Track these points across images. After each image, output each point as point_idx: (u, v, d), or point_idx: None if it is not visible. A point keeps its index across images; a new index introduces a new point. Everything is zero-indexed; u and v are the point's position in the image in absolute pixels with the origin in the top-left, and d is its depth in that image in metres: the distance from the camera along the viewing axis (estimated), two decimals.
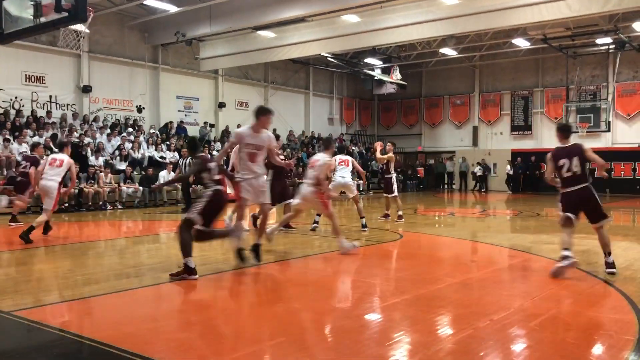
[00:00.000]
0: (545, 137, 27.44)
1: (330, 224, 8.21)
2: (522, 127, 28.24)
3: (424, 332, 4.36)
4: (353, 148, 28.80)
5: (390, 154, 12.57)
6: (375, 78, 27.25)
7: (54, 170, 9.32)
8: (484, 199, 22.79)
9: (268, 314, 5.00)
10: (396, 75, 26.27)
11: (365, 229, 10.54)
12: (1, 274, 6.56)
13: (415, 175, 29.74)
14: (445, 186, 29.68)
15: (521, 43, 23.99)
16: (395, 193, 12.56)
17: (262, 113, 7.36)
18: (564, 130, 7.06)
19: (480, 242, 9.81)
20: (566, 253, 6.47)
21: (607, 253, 6.66)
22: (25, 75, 18.53)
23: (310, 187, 8.28)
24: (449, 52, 25.49)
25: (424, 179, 29.73)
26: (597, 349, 4.06)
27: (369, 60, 25.68)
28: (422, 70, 30.54)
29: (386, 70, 26.93)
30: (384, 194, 13.01)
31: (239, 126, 24.69)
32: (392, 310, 5.08)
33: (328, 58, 25.39)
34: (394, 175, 12.86)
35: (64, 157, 9.52)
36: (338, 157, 11.22)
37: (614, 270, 6.55)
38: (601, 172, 7.22)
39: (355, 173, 11.82)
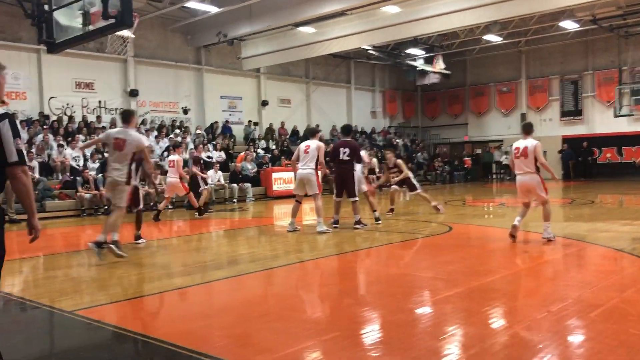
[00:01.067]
0: (597, 122, 26.55)
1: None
2: (572, 112, 27.35)
3: (479, 325, 4.28)
4: (397, 140, 28.56)
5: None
6: (418, 69, 26.94)
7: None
8: None
9: (321, 309, 5.01)
10: (439, 65, 25.89)
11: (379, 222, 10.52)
12: (60, 275, 6.80)
13: (462, 166, 29.23)
14: (494, 176, 29.02)
15: (569, 25, 23.18)
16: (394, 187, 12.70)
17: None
18: None
19: (533, 232, 9.54)
20: None
21: None
22: (76, 82, 19.16)
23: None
24: (493, 38, 24.91)
25: (472, 169, 29.18)
26: None
27: (411, 50, 25.37)
28: (466, 58, 29.95)
29: (429, 60, 26.56)
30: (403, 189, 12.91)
31: (282, 123, 24.93)
32: (445, 303, 5.00)
33: (369, 51, 25.24)
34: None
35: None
36: (304, 143, 10.33)
37: None
38: None
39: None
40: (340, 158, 10.04)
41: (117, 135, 7.48)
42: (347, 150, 10.03)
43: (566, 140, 26.99)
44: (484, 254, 7.87)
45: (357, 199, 10.15)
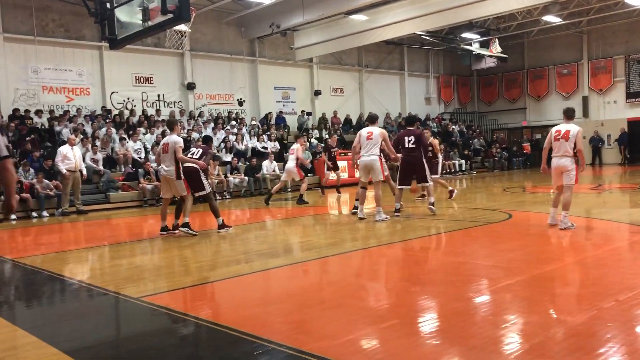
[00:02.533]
0: None
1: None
2: (638, 93, 26.05)
3: (542, 314, 4.18)
4: (453, 127, 28.04)
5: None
6: (474, 53, 26.30)
7: None
8: (598, 172, 21.36)
9: (378, 297, 5.02)
10: (496, 49, 25.19)
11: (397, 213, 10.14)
12: (125, 264, 7.08)
13: (522, 152, 28.40)
14: None
15: (635, 2, 21.97)
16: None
17: None
18: None
19: (597, 218, 9.22)
20: None
21: None
22: (135, 77, 19.77)
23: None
24: (552, 19, 23.98)
25: (531, 154, 28.29)
26: None
27: (466, 35, 24.77)
28: (524, 40, 28.97)
29: (485, 44, 25.88)
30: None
31: (335, 112, 24.92)
32: (506, 292, 4.91)
33: (422, 36, 24.83)
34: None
35: None
36: (365, 129, 10.17)
37: None
38: None
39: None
40: (406, 146, 10.04)
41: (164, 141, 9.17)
42: (412, 138, 10.03)
43: (632, 123, 25.76)
44: (545, 241, 7.66)
45: (429, 183, 10.30)
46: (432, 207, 10.16)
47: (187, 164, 9.26)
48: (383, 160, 10.11)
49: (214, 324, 4.25)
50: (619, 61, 26.57)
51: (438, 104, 30.48)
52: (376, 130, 9.73)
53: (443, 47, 27.38)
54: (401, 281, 5.55)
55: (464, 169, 24.85)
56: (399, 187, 10.21)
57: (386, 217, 9.62)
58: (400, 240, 8.05)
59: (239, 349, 3.72)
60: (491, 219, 9.56)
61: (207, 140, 10.41)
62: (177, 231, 9.25)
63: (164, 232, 9.26)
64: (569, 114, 8.28)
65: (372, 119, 10.21)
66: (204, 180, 9.29)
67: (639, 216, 9.03)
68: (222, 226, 9.36)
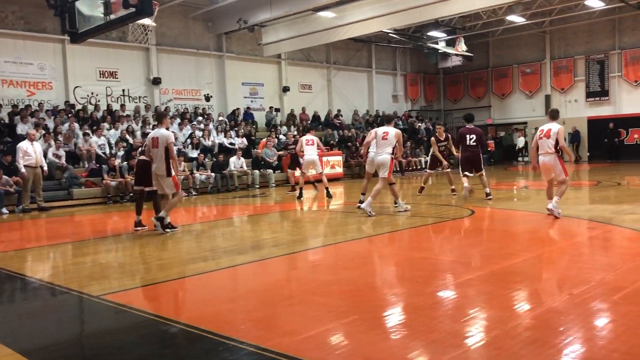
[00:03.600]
0: (624, 102, 25.98)
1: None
2: (598, 93, 26.80)
3: (500, 308, 4.28)
4: (419, 124, 28.35)
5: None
6: (440, 51, 26.62)
7: None
8: None
9: (340, 293, 5.05)
10: (461, 47, 25.55)
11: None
12: (88, 261, 6.97)
13: (486, 149, 28.86)
14: (519, 159, 28.61)
15: (595, 4, 22.63)
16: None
17: None
18: None
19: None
20: None
21: None
22: (99, 71, 19.41)
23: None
24: (516, 19, 24.47)
25: (495, 152, 28.82)
26: None
27: (433, 33, 25.07)
28: (489, 40, 29.50)
29: (451, 43, 26.23)
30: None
31: (303, 109, 24.93)
32: (467, 286, 5.00)
33: (390, 34, 25.02)
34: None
35: None
36: (381, 129, 10.43)
37: None
38: None
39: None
40: (468, 143, 11.60)
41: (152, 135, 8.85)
42: (473, 136, 11.55)
43: (591, 121, 26.49)
44: (506, 237, 7.83)
45: (483, 172, 11.84)
46: (488, 197, 11.51)
47: (141, 157, 9.15)
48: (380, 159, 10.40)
49: (175, 322, 4.22)
50: (579, 61, 27.27)
51: (405, 101, 30.78)
52: (392, 132, 10.03)
53: (410, 45, 27.65)
54: (364, 277, 5.60)
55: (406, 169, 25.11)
56: (464, 173, 11.85)
57: (371, 213, 9.71)
58: (365, 236, 8.12)
59: (200, 346, 3.71)
60: (454, 215, 9.72)
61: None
62: (169, 230, 9.08)
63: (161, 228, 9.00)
64: (552, 114, 8.96)
65: (388, 119, 10.66)
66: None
67: (597, 212, 9.30)
68: (163, 222, 9.09)
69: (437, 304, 4.56)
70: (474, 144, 11.55)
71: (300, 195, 14.05)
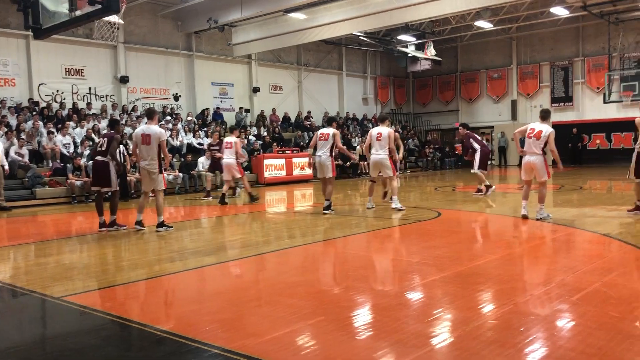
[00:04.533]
0: (587, 108, 26.64)
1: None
2: (562, 98, 27.42)
3: (463, 309, 4.35)
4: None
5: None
6: (409, 55, 26.87)
7: None
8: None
9: (306, 294, 5.07)
10: (430, 51, 25.85)
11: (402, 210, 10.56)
12: (51, 262, 6.82)
13: (453, 152, 29.30)
14: (490, 162, 29.00)
15: (559, 12, 23.15)
16: None
17: None
18: None
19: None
20: None
21: None
22: (65, 68, 19.01)
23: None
24: (484, 24, 24.88)
25: (462, 155, 29.17)
26: None
27: (402, 37, 25.29)
28: (457, 44, 29.92)
29: (420, 47, 26.51)
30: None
31: (274, 110, 24.87)
32: (431, 287, 5.07)
33: (360, 37, 25.15)
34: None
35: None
36: (375, 129, 10.87)
37: None
38: None
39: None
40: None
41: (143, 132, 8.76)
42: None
43: (555, 126, 27.06)
44: (471, 239, 7.97)
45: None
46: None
47: (97, 158, 9.08)
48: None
49: (139, 324, 4.17)
50: (544, 67, 27.87)
51: (375, 104, 30.99)
52: (385, 132, 10.42)
53: (380, 48, 27.84)
54: (331, 278, 5.63)
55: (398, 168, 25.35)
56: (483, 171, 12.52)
57: (402, 207, 10.40)
58: (333, 238, 8.15)
59: (162, 348, 3.68)
60: (421, 217, 9.83)
61: (113, 124, 9.83)
62: (113, 228, 9.01)
63: (138, 226, 9.00)
64: (543, 115, 9.09)
65: (381, 119, 11.03)
66: (113, 176, 9.04)
67: (559, 215, 9.52)
68: (113, 223, 9.09)
69: (402, 304, 4.61)
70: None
71: (222, 201, 13.07)
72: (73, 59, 19.12)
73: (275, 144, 21.72)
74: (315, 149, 10.88)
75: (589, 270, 5.49)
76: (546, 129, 8.64)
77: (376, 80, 30.99)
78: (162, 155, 8.81)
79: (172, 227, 9.04)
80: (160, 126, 18.98)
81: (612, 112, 25.25)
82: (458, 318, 4.16)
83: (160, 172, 8.79)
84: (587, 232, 7.74)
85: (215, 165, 14.70)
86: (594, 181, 17.82)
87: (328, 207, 10.40)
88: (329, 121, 11.21)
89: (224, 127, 22.16)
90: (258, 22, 21.16)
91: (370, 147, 10.84)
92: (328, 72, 28.45)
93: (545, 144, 8.64)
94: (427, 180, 20.52)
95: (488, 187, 13.15)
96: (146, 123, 9.26)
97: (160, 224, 8.87)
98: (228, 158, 13.16)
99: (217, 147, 14.80)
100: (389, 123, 11.61)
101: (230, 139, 13.44)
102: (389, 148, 10.48)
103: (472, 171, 13.52)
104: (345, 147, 10.98)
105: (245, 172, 19.12)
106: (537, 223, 8.64)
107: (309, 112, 26.13)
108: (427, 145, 28.78)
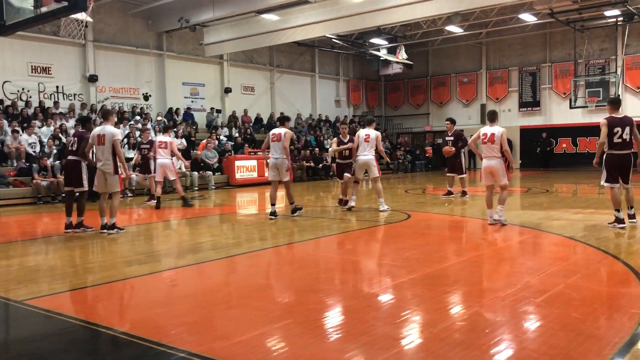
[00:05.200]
0: (554, 113, 27.23)
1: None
2: (530, 103, 27.99)
3: (430, 311, 4.40)
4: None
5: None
6: (381, 58, 27.06)
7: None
8: None
9: (275, 296, 5.05)
10: (402, 55, 26.06)
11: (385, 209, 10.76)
12: (15, 264, 6.66)
13: (424, 155, 29.62)
14: None
15: (528, 18, 23.65)
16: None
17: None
18: (614, 102, 8.37)
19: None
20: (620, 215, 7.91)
21: (630, 207, 8.04)
22: (31, 66, 18.60)
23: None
24: (454, 29, 25.21)
25: (433, 158, 29.57)
26: (604, 323, 4.07)
27: (374, 40, 25.47)
28: (428, 49, 30.28)
29: (392, 50, 26.72)
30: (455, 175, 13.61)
31: (245, 111, 24.75)
32: (400, 289, 5.11)
33: (333, 39, 25.22)
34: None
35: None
36: (363, 131, 11.22)
37: (634, 221, 7.90)
38: None
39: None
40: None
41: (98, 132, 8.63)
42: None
43: (524, 130, 27.62)
44: (440, 241, 8.05)
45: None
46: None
47: (70, 157, 8.94)
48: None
49: (104, 327, 4.10)
50: (513, 72, 28.40)
51: (347, 106, 31.12)
52: (373, 134, 10.92)
53: (352, 51, 27.97)
54: (300, 280, 5.62)
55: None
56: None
57: (388, 208, 10.73)
58: (303, 240, 8.15)
59: (127, 352, 3.62)
60: (391, 219, 9.90)
61: (84, 122, 9.64)
62: (79, 229, 8.86)
63: (105, 230, 8.74)
64: (491, 117, 8.93)
65: (368, 122, 11.51)
66: (85, 177, 8.89)
67: (526, 217, 9.69)
68: (80, 225, 8.96)
69: (371, 306, 4.63)
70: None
71: (158, 205, 12.52)
72: (40, 57, 18.72)
73: (246, 145, 21.62)
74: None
75: (553, 272, 5.60)
76: (498, 131, 8.54)
77: (349, 82, 31.13)
78: (117, 157, 8.62)
79: (123, 229, 8.91)
80: (130, 126, 18.78)
81: (578, 117, 25.86)
82: (426, 320, 4.21)
83: (116, 173, 8.63)
84: (553, 235, 7.89)
85: (146, 166, 13.77)
86: (560, 184, 18.19)
87: (295, 210, 10.27)
88: (281, 120, 10.74)
89: (194, 127, 21.99)
90: (230, 22, 21.04)
91: (357, 148, 11.03)
92: (301, 73, 28.46)
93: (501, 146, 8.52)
94: (398, 182, 20.67)
95: (464, 192, 13.20)
96: (101, 124, 9.05)
97: (112, 226, 8.70)
98: (162, 158, 12.63)
99: (147, 146, 13.81)
100: (376, 125, 11.81)
101: (164, 138, 12.91)
102: (376, 149, 10.95)
103: (462, 176, 13.48)
104: (289, 148, 10.40)
105: (217, 173, 19.06)
106: (505, 226, 8.78)
107: (281, 114, 26.06)
108: (399, 147, 29.02)
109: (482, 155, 8.74)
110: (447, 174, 13.86)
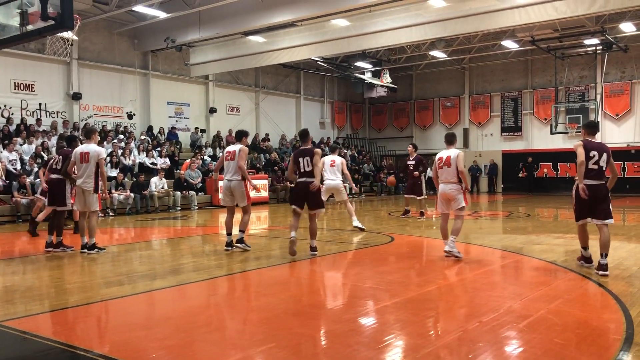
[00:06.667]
0: (535, 138, 27.64)
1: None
2: (512, 128, 28.40)
3: (413, 335, 4.39)
4: (345, 151, 28.82)
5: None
6: (366, 81, 27.35)
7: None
8: (475, 200, 22.89)
9: (258, 320, 5.01)
10: (386, 79, 26.37)
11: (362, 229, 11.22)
12: None
13: (407, 178, 29.74)
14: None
15: (510, 45, 24.15)
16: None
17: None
18: (592, 127, 7.30)
19: (472, 243, 9.84)
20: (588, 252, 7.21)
21: (603, 255, 6.69)
22: (14, 83, 18.45)
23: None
24: (438, 54, 25.61)
25: (405, 179, 29.64)
26: (585, 349, 4.09)
27: (359, 63, 25.75)
28: (412, 73, 30.67)
29: (376, 74, 27.04)
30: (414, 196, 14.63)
31: (230, 132, 24.74)
32: (383, 313, 5.10)
33: (318, 62, 25.44)
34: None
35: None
36: (328, 157, 11.55)
37: (606, 272, 6.59)
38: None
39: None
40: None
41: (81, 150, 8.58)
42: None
43: (506, 155, 27.96)
44: (423, 264, 8.06)
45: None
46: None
47: (53, 176, 8.85)
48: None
49: (83, 350, 4.02)
50: (495, 97, 28.85)
51: (332, 128, 31.28)
52: (338, 159, 11.49)
53: (337, 74, 28.22)
54: (283, 303, 5.58)
55: (353, 192, 25.53)
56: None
57: (362, 226, 11.32)
58: (285, 262, 8.09)
59: None
60: (374, 242, 9.90)
61: (70, 141, 9.33)
62: (59, 249, 8.73)
63: (86, 250, 8.59)
64: (448, 139, 8.35)
65: (332, 149, 12.12)
66: (68, 195, 8.82)
67: (508, 241, 9.76)
68: (59, 244, 8.87)
69: (354, 330, 4.61)
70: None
71: (76, 230, 10.69)
72: (23, 74, 18.59)
73: None
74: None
75: (535, 297, 5.63)
76: (454, 153, 7.96)
77: (333, 104, 31.35)
78: (100, 176, 8.55)
79: (104, 249, 8.84)
80: (113, 145, 18.66)
81: (559, 142, 26.27)
82: (409, 345, 4.19)
83: (96, 191, 8.54)
84: (535, 259, 7.95)
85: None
86: (542, 209, 18.38)
87: (241, 240, 8.84)
88: (238, 135, 8.99)
89: (178, 147, 21.91)
90: (216, 43, 21.14)
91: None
92: (286, 95, 28.60)
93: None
94: (382, 204, 20.73)
95: (422, 213, 14.37)
96: (82, 142, 8.92)
97: (92, 246, 8.59)
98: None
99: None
100: (339, 152, 12.51)
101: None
102: (342, 173, 11.40)
103: (420, 198, 14.52)
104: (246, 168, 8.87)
105: (199, 193, 18.94)
106: (486, 250, 8.82)
107: (266, 135, 26.12)
108: (382, 170, 29.16)
109: (439, 181, 8.09)
110: (405, 195, 15.21)
